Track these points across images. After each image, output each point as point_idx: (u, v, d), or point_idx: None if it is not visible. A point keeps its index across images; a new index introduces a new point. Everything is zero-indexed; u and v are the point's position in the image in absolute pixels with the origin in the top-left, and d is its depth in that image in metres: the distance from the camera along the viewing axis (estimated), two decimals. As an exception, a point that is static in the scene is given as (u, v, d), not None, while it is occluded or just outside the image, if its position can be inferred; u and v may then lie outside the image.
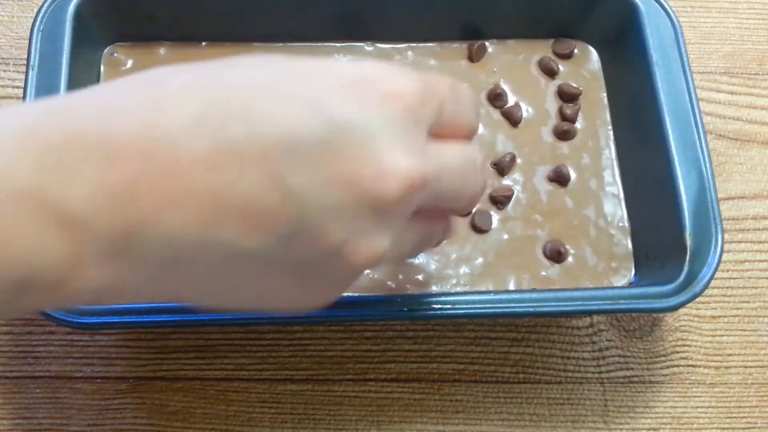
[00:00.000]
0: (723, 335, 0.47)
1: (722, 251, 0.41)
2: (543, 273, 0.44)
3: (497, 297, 0.40)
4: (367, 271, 0.43)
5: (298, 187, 0.25)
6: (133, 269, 0.26)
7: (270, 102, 0.26)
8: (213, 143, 0.25)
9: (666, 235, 0.42)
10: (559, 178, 0.46)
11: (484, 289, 0.43)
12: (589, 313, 0.46)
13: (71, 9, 0.44)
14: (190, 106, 0.25)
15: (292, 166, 0.25)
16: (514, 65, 0.49)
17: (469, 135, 0.31)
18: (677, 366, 0.46)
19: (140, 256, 0.25)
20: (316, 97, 0.26)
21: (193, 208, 0.25)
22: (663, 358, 0.46)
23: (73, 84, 0.43)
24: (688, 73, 0.44)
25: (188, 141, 0.25)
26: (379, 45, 0.49)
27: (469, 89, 0.32)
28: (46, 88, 0.42)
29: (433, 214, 0.32)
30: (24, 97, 0.42)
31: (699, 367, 0.46)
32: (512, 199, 0.46)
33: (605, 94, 0.49)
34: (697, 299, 0.40)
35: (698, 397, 0.46)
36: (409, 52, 0.49)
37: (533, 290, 0.43)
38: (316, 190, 0.25)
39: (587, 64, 0.49)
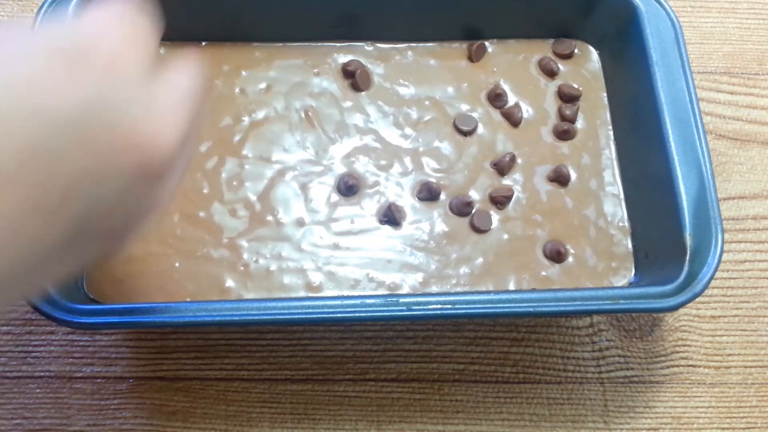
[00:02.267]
0: (723, 335, 0.47)
1: (722, 251, 0.41)
2: (543, 273, 0.44)
3: (497, 297, 0.40)
4: (367, 272, 0.43)
5: (77, 171, 0.25)
6: None
7: None
8: None
9: (666, 235, 0.42)
10: (559, 178, 0.46)
11: (484, 289, 0.43)
12: (589, 313, 0.46)
13: (71, 9, 0.44)
14: None
15: (49, 166, 0.25)
16: (514, 65, 0.49)
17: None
18: (677, 366, 0.46)
19: None
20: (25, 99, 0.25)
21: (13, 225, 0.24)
22: (663, 358, 0.46)
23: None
24: (688, 73, 0.44)
25: None
26: (379, 45, 0.49)
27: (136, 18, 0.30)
28: (46, 88, 0.42)
29: None
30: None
31: (699, 367, 0.46)
32: (512, 199, 0.46)
33: (605, 94, 0.49)
34: (697, 299, 0.40)
35: (698, 397, 0.46)
36: (409, 52, 0.49)
37: (533, 290, 0.43)
38: (79, 175, 0.26)
39: (587, 64, 0.49)
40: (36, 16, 0.43)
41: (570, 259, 0.44)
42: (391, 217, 0.44)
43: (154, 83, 0.29)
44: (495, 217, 0.45)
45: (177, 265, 0.43)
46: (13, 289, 0.27)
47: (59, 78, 0.25)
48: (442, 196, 0.45)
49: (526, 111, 0.48)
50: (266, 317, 0.39)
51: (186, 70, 0.31)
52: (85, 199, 0.26)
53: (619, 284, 0.44)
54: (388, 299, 0.39)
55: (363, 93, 0.48)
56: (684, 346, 0.47)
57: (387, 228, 0.45)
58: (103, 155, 0.26)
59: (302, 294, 0.43)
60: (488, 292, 0.42)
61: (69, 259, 0.28)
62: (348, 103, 0.48)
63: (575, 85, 0.49)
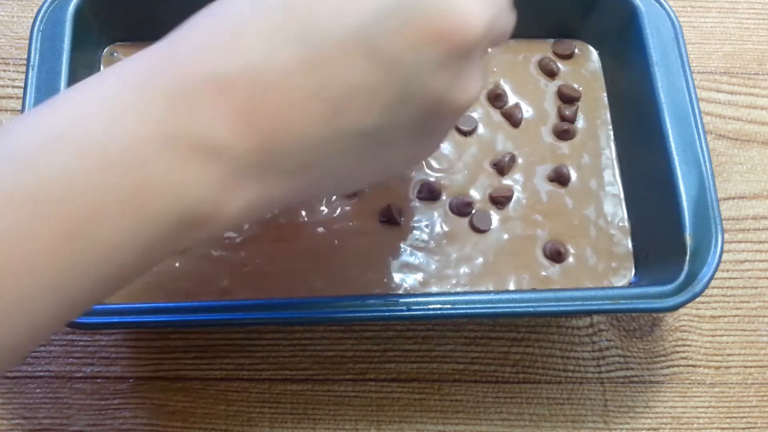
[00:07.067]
0: (723, 335, 0.47)
1: (722, 251, 0.41)
2: (543, 273, 0.44)
3: (497, 297, 0.40)
4: (367, 272, 0.43)
5: (394, 57, 0.28)
6: (276, 180, 0.28)
7: None
8: (302, 48, 0.27)
9: (666, 235, 0.42)
10: (559, 178, 0.46)
11: (484, 289, 0.43)
12: (589, 313, 0.46)
13: (71, 9, 0.44)
14: (266, 23, 0.27)
15: (382, 41, 0.27)
16: (514, 65, 0.49)
17: None
18: (677, 366, 0.46)
19: (280, 166, 0.28)
20: None
21: (311, 109, 0.27)
22: (663, 358, 0.46)
23: (73, 84, 0.43)
24: (688, 73, 0.45)
25: (280, 54, 0.27)
26: (379, 45, 0.49)
27: None
28: (46, 88, 0.42)
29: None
30: (24, 97, 0.42)
31: (699, 367, 0.46)
32: (512, 199, 0.46)
33: (605, 94, 0.49)
34: (697, 299, 0.40)
35: (698, 397, 0.46)
36: (409, 52, 0.49)
37: (533, 290, 0.43)
38: (410, 54, 0.28)
39: (587, 64, 0.49)
40: (36, 16, 0.43)
41: (570, 259, 0.44)
42: (390, 217, 0.44)
43: None
44: (495, 217, 0.45)
45: (176, 264, 0.43)
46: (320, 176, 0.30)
47: None
48: (442, 196, 0.45)
49: (526, 111, 0.48)
50: (266, 317, 0.39)
51: None
52: (405, 79, 0.28)
53: (619, 284, 0.44)
54: (388, 299, 0.39)
55: (363, 93, 0.48)
56: (684, 346, 0.47)
57: (387, 228, 0.45)
58: (420, 42, 0.28)
59: (302, 294, 0.43)
60: (488, 292, 0.42)
61: (388, 150, 0.31)
62: (348, 103, 0.48)
63: (575, 86, 0.49)
